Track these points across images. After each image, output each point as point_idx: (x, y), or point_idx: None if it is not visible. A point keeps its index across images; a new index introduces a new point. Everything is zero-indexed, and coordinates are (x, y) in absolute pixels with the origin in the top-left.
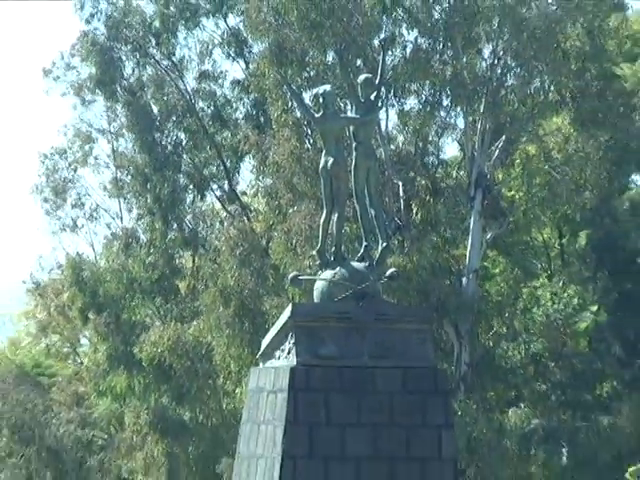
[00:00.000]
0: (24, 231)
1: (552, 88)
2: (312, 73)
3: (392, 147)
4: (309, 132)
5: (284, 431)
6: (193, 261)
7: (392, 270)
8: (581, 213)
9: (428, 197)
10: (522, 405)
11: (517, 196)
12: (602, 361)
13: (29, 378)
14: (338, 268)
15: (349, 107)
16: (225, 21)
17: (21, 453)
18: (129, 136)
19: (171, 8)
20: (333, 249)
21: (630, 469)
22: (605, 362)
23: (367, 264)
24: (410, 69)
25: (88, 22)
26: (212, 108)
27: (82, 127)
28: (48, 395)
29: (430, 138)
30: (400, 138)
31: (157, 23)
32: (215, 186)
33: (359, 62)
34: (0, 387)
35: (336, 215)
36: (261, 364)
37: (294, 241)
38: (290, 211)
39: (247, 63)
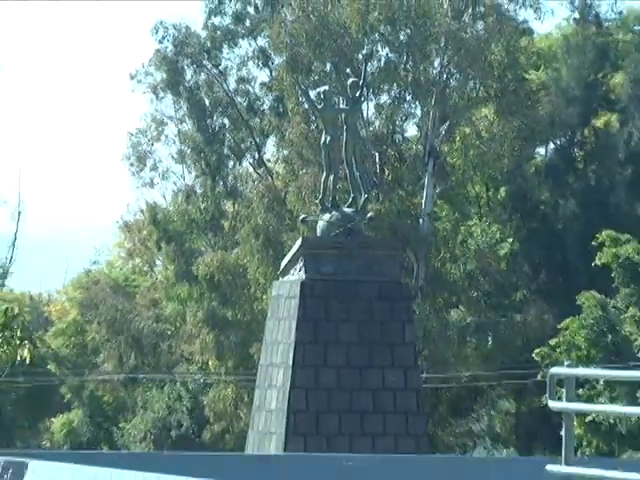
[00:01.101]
0: (116, 186)
1: (481, 88)
2: (316, 77)
3: (371, 129)
4: (314, 118)
5: (296, 325)
6: (234, 207)
7: (371, 214)
8: (501, 174)
9: (396, 163)
10: (460, 307)
11: (457, 163)
12: (516, 276)
13: (120, 288)
14: (334, 212)
15: (341, 101)
16: (255, 41)
17: (114, 340)
18: (189, 121)
19: (218, 32)
20: (330, 199)
21: (535, 350)
22: (518, 277)
23: (354, 209)
24: (383, 75)
25: (160, 42)
26: (246, 102)
27: (156, 115)
28: (133, 300)
29: (397, 122)
30: (377, 123)
31: (208, 43)
32: (249, 155)
33: (348, 70)
34: (100, 295)
35: (332, 176)
36: (280, 278)
37: (303, 194)
38: (300, 173)
39: (271, 71)
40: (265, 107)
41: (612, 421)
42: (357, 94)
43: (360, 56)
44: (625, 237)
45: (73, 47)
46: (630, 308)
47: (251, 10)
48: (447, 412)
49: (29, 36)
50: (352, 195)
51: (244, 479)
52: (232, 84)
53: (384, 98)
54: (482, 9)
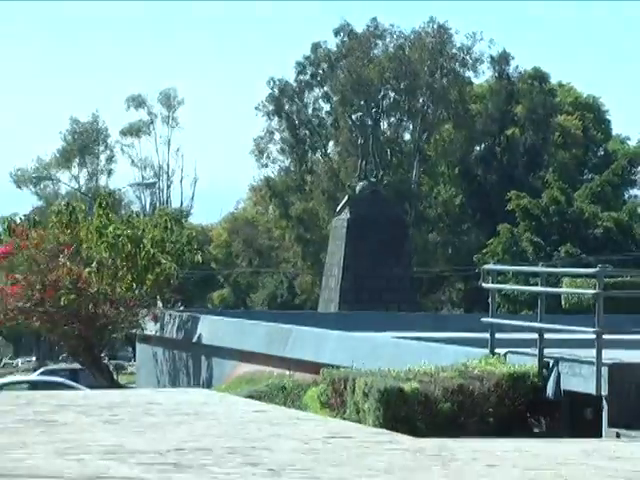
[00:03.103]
0: (248, 166)
1: (445, 114)
2: (354, 108)
3: (385, 135)
4: (354, 129)
5: (345, 243)
6: (311, 177)
7: (385, 182)
8: (456, 160)
9: (399, 154)
10: (434, 232)
11: (432, 154)
12: (464, 216)
13: (250, 222)
14: (365, 181)
15: (369, 121)
16: (322, 88)
17: (247, 250)
18: (287, 131)
19: (303, 83)
20: (364, 174)
21: (474, 256)
22: (465, 216)
23: (376, 179)
24: (391, 106)
25: (272, 89)
26: (317, 121)
27: (269, 128)
28: (257, 229)
29: (399, 132)
30: (388, 132)
31: (297, 89)
32: (319, 150)
33: (372, 104)
34: (239, 226)
35: (364, 161)
36: (336, 217)
37: (349, 171)
38: (347, 159)
39: (331, 104)
40: (328, 124)
41: (515, 294)
42: (377, 117)
43: (379, 96)
44: (523, 194)
45: (222, 91)
46: (526, 232)
47: (320, 71)
48: (427, 289)
49: (194, 84)
50: (375, 172)
51: (322, 326)
52: (310, 111)
53: (392, 119)
54: (445, 71)
